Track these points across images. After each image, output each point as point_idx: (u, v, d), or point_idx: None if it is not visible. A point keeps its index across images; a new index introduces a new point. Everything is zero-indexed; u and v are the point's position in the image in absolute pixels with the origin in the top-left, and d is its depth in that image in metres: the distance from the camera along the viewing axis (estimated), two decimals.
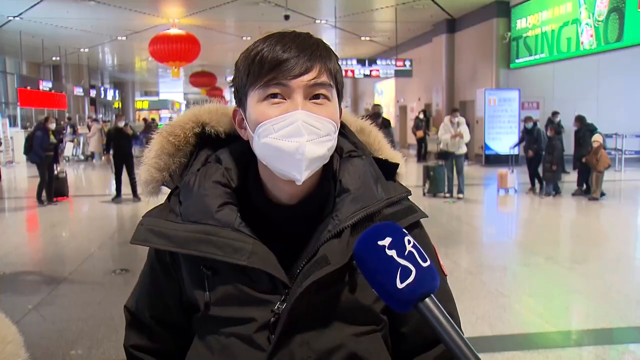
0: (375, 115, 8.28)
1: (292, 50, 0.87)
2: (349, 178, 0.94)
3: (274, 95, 0.87)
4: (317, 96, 0.88)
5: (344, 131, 1.00)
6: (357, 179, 0.94)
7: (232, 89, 0.96)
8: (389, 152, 1.05)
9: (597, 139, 9.74)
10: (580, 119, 10.96)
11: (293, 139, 0.85)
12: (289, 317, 0.86)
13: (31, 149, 9.81)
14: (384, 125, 8.47)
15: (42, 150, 9.58)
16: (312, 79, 0.87)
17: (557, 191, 10.13)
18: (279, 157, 0.86)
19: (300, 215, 0.94)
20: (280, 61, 0.86)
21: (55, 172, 10.22)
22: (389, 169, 1.01)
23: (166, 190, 1.02)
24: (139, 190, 1.04)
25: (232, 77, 0.96)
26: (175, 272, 0.98)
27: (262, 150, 0.88)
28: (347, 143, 0.99)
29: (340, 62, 0.95)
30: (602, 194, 9.72)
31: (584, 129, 10.59)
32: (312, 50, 0.88)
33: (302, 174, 0.86)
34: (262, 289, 0.89)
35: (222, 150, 0.99)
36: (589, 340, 3.96)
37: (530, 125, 10.57)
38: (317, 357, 0.88)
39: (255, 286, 0.90)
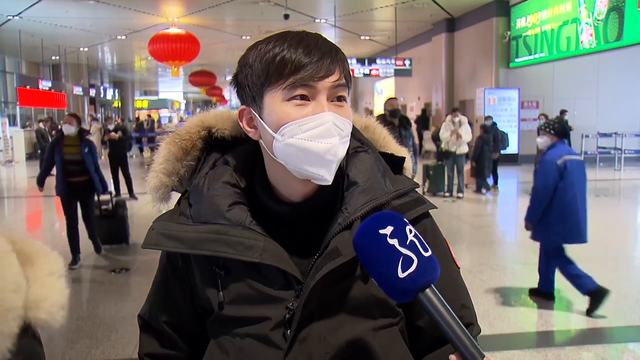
0: (392, 113, 6.44)
1: (315, 53, 0.87)
2: (357, 172, 0.94)
3: (301, 97, 0.87)
4: (338, 98, 0.89)
5: None
6: (365, 172, 0.94)
7: (235, 86, 0.95)
8: (394, 147, 1.06)
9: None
10: (545, 118, 11.08)
11: (324, 140, 0.86)
12: (304, 312, 0.86)
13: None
14: (402, 125, 6.43)
15: (47, 172, 5.82)
16: (336, 80, 0.88)
17: (479, 188, 10.32)
18: (306, 158, 0.87)
19: (309, 212, 0.94)
20: (305, 63, 0.86)
21: (101, 209, 6.20)
22: (395, 163, 1.02)
23: (176, 197, 1.02)
24: (149, 196, 1.03)
25: (239, 73, 0.93)
26: (188, 276, 0.98)
27: (286, 150, 0.88)
28: (353, 140, 0.99)
29: None
30: None
31: None
32: (333, 53, 0.89)
33: (332, 175, 0.87)
34: (276, 285, 0.89)
35: (229, 153, 0.99)
36: (588, 339, 3.96)
37: (489, 123, 10.73)
38: (334, 352, 0.88)
39: (268, 283, 0.90)
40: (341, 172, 0.96)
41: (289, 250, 0.90)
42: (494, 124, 10.91)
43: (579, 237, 4.32)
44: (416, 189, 1.00)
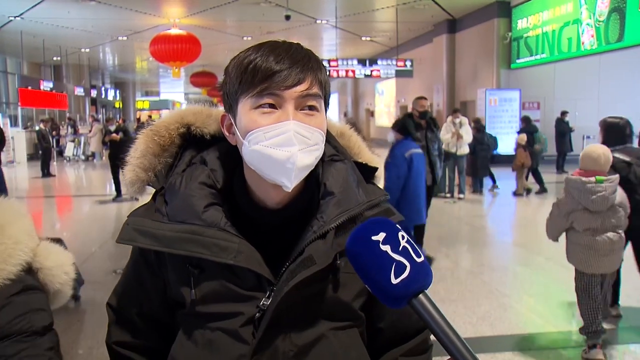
0: (422, 114, 5.94)
1: (285, 61, 0.89)
2: (333, 181, 0.97)
3: (267, 105, 0.89)
4: (307, 107, 0.90)
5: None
6: (341, 182, 0.97)
7: (221, 94, 0.98)
8: (367, 156, 1.10)
9: (518, 139, 10.21)
10: (525, 120, 11.18)
11: (284, 148, 0.87)
12: (274, 313, 0.89)
13: None
14: (429, 127, 5.97)
15: None
16: (304, 89, 0.89)
17: (475, 188, 10.42)
18: (269, 165, 0.89)
19: (285, 218, 0.96)
20: (274, 71, 0.88)
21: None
22: (367, 172, 1.06)
23: (151, 190, 1.03)
24: (124, 190, 1.06)
25: (222, 82, 0.97)
26: (160, 270, 1.00)
27: (252, 156, 0.90)
28: (329, 147, 1.02)
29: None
30: (528, 191, 10.22)
31: (525, 130, 10.67)
32: (304, 62, 0.91)
33: (291, 182, 0.89)
34: (248, 286, 0.92)
35: (207, 151, 1.01)
36: None
37: (479, 125, 10.94)
38: (298, 350, 0.91)
39: (241, 283, 0.92)
40: (317, 181, 0.98)
41: (266, 251, 0.92)
42: (482, 127, 11.03)
43: (421, 218, 5.07)
44: (386, 199, 1.03)
